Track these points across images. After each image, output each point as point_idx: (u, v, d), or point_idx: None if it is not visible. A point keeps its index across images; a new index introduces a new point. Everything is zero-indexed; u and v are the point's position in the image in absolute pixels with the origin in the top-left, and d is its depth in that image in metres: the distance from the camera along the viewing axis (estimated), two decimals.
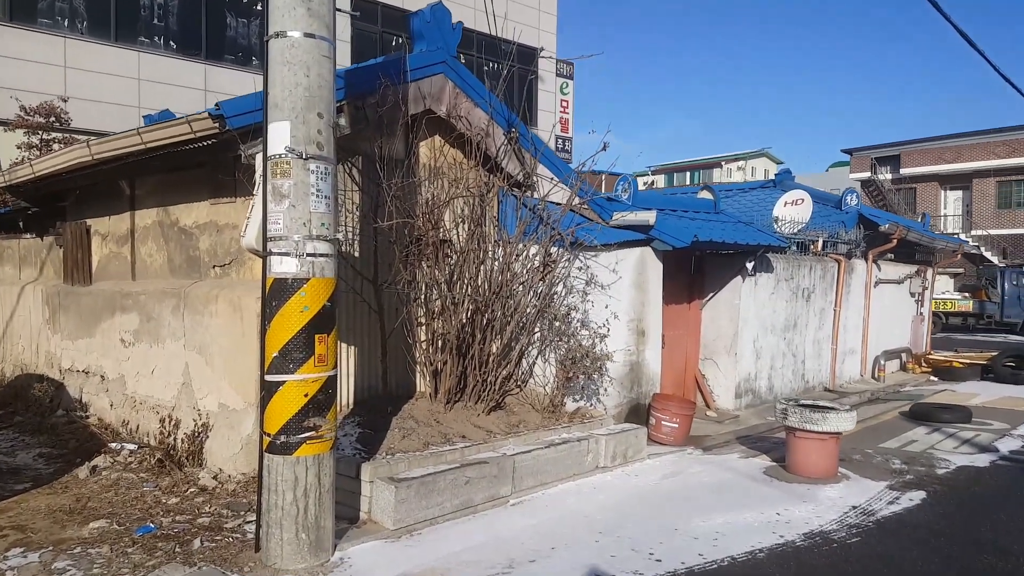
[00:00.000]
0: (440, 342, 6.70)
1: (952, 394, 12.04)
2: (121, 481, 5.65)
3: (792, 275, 11.01)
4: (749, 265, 9.74)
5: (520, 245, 7.15)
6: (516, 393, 7.62)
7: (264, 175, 4.21)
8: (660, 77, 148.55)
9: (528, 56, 22.62)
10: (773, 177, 16.66)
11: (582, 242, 7.43)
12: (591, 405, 7.79)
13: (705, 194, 10.51)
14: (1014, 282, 22.73)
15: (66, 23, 15.61)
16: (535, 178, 7.66)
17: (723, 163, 53.45)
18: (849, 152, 40.50)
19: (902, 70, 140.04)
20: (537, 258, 7.18)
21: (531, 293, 7.26)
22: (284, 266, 4.13)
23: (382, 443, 5.53)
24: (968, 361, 13.67)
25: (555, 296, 7.57)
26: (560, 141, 23.08)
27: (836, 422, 6.58)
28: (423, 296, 6.64)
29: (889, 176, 37.46)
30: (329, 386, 4.29)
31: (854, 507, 5.95)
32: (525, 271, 7.11)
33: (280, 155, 4.13)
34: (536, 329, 7.53)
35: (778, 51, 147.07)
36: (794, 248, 11.53)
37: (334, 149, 4.34)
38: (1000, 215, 33.46)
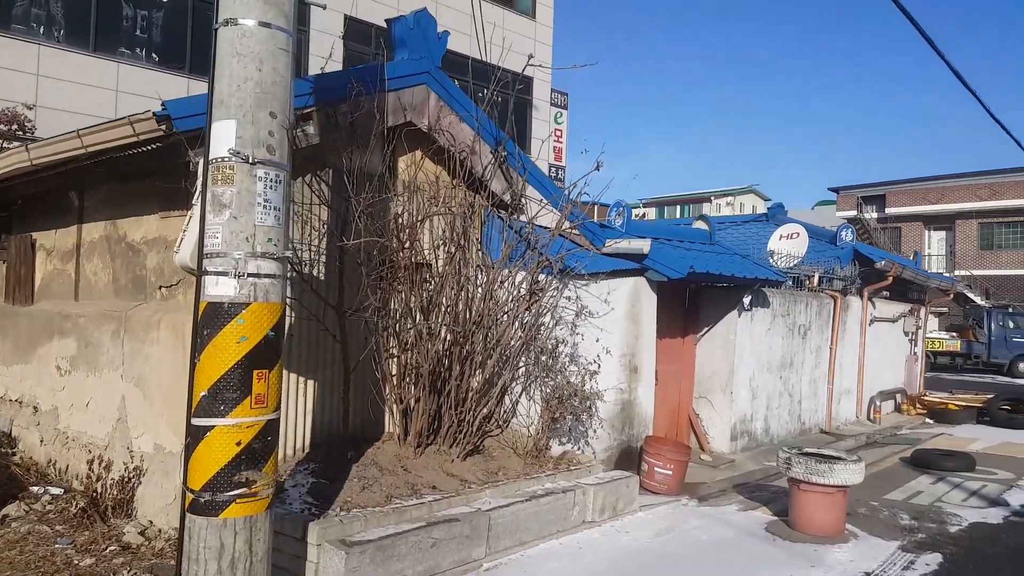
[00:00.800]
0: (412, 376, 6.02)
1: (950, 439, 11.50)
2: (32, 535, 4.86)
3: (788, 311, 10.47)
4: (745, 299, 9.18)
5: (505, 271, 6.53)
6: (497, 435, 6.93)
7: (204, 182, 3.57)
8: (650, 112, 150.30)
9: (523, 83, 22.29)
10: (765, 211, 16.28)
11: (572, 270, 6.82)
12: (579, 449, 7.11)
13: (700, 224, 9.98)
14: (1000, 323, 22.46)
15: (42, 30, 14.95)
16: (523, 200, 7.06)
17: (712, 198, 53.49)
18: (836, 190, 40.56)
19: (891, 109, 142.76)
20: (523, 286, 6.55)
21: (516, 323, 6.62)
22: (220, 288, 3.46)
23: (338, 496, 4.81)
24: (964, 403, 13.17)
25: (542, 328, 6.93)
26: (553, 170, 22.68)
27: (844, 474, 5.96)
28: (395, 325, 5.98)
29: (875, 215, 37.48)
30: (268, 432, 3.60)
31: (867, 574, 5.31)
32: (510, 299, 6.48)
33: (223, 158, 3.49)
34: (521, 363, 6.87)
35: (766, 89, 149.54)
36: (790, 283, 11.02)
37: (289, 154, 3.71)
38: (983, 256, 33.46)
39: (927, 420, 13.21)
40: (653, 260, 7.55)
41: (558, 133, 22.85)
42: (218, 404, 3.47)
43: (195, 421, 3.53)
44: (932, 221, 35.79)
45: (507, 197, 6.96)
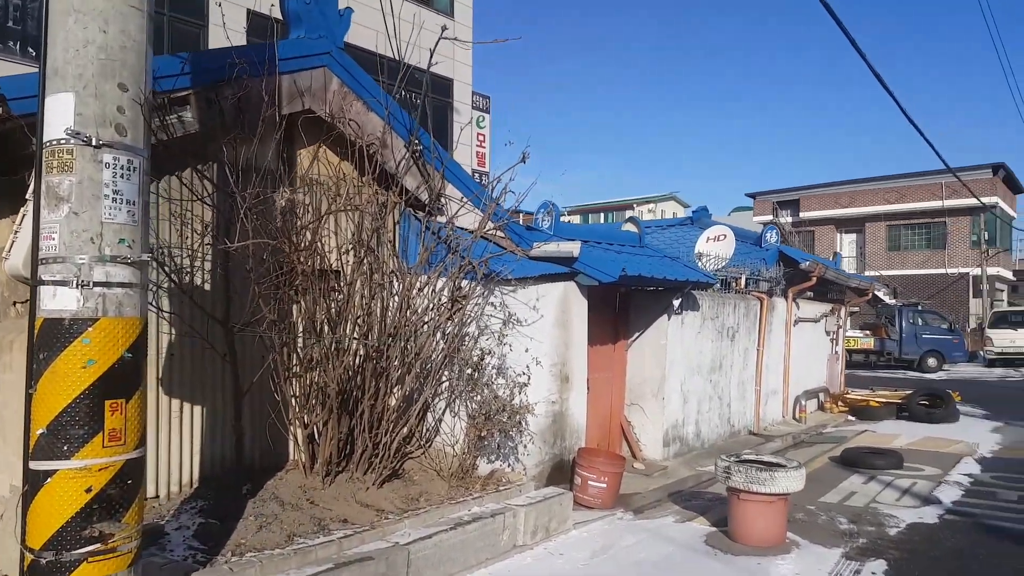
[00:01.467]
0: (319, 397, 5.39)
1: (874, 435, 11.61)
2: None
3: (717, 313, 10.32)
4: (676, 303, 8.93)
5: (424, 277, 5.99)
6: (418, 456, 6.37)
7: (38, 170, 2.90)
8: (571, 121, 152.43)
9: (443, 87, 21.75)
10: (689, 215, 16.29)
11: (498, 275, 6.34)
12: (508, 466, 6.62)
13: (630, 227, 9.71)
14: (911, 320, 23.35)
15: None
16: (443, 199, 6.55)
17: (634, 205, 54.24)
18: (752, 196, 41.76)
19: (803, 116, 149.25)
20: (444, 293, 6.03)
21: (438, 335, 6.09)
22: (59, 300, 2.81)
23: (230, 538, 4.16)
24: (884, 400, 13.40)
25: (466, 338, 6.42)
26: (477, 175, 22.21)
27: (785, 482, 5.69)
28: (296, 340, 5.34)
29: (790, 219, 38.72)
30: (129, 474, 2.95)
31: None
32: (430, 308, 5.95)
33: (59, 140, 2.84)
34: (444, 377, 6.35)
35: (684, 98, 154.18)
36: (718, 285, 10.90)
37: (147, 136, 3.07)
38: (891, 257, 35.01)
39: (850, 417, 13.37)
40: (583, 264, 7.17)
41: (480, 138, 22.43)
42: (60, 443, 2.81)
43: (33, 465, 2.86)
44: (843, 224, 37.24)
45: (424, 195, 6.44)
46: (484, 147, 22.51)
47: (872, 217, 35.61)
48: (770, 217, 38.87)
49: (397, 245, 6.46)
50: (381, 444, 5.59)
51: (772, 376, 12.19)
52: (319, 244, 5.33)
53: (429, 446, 6.62)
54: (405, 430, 5.86)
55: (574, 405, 7.29)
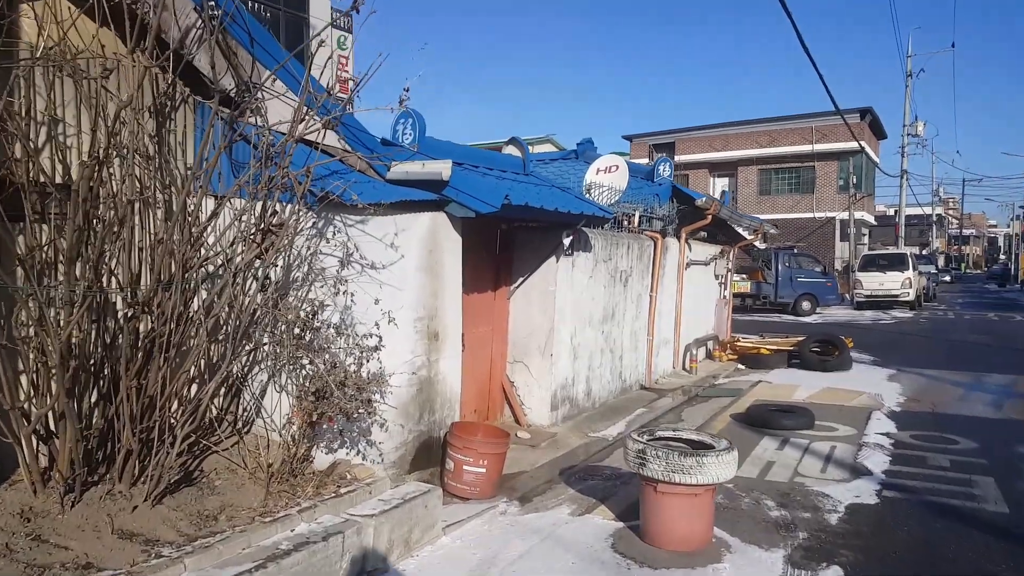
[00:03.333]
0: (56, 374, 3.51)
1: (771, 387, 10.93)
2: None
3: (610, 255, 9.05)
4: (567, 241, 7.52)
5: (218, 198, 4.14)
6: (227, 448, 4.61)
7: None
8: (445, 62, 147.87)
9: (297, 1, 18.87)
10: (574, 148, 14.91)
11: (336, 198, 4.58)
12: (358, 454, 5.01)
13: (512, 150, 8.13)
14: (787, 263, 23.56)
15: None
16: (260, 96, 4.64)
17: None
18: (629, 139, 41.29)
19: (680, 60, 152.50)
20: (250, 221, 4.22)
21: (250, 280, 4.31)
22: None
23: None
24: (775, 347, 12.87)
25: (293, 286, 4.67)
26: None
27: (716, 469, 4.44)
28: (19, 290, 3.41)
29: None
30: None
31: None
32: (238, 243, 4.13)
33: None
34: (265, 339, 4.59)
35: (562, 40, 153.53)
36: (611, 223, 9.64)
37: None
38: (761, 201, 35.73)
39: (739, 366, 12.75)
40: (456, 189, 5.55)
41: (343, 62, 19.86)
42: None
43: None
44: (717, 168, 37.58)
45: (229, 85, 4.51)
46: (347, 70, 19.98)
47: (745, 161, 36.09)
48: (646, 160, 38.67)
49: (190, 154, 4.54)
50: (157, 440, 3.80)
51: (664, 324, 11.22)
52: (56, 147, 3.35)
53: (247, 431, 4.88)
54: (196, 416, 4.09)
55: (447, 369, 5.74)
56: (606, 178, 9.83)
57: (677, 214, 11.29)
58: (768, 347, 12.82)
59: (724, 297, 14.30)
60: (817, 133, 34.26)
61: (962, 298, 33.85)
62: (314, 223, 4.80)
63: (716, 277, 13.78)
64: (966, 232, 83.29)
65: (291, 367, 4.64)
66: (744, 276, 24.42)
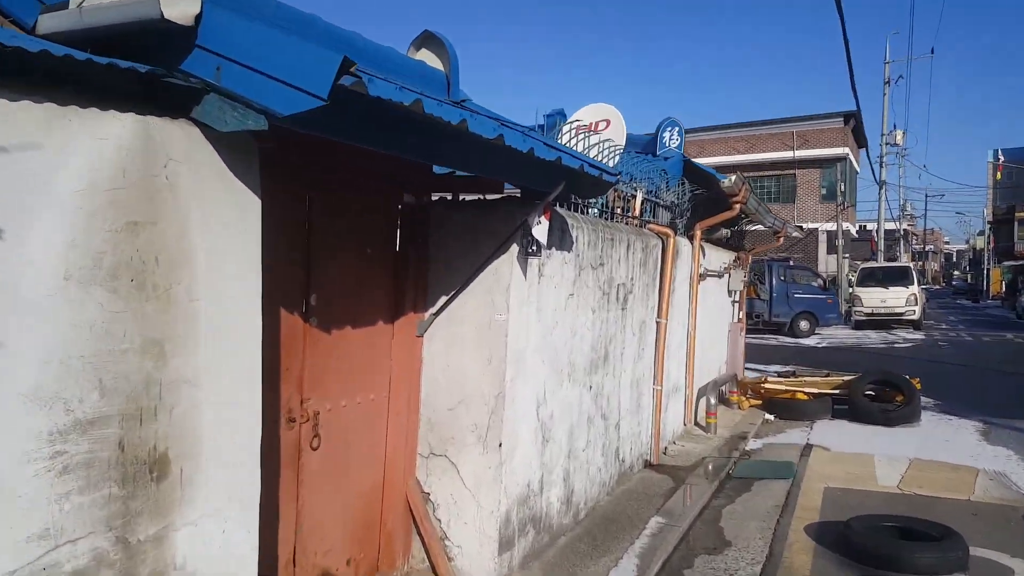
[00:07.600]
0: None
1: (830, 458, 7.33)
2: None
3: (602, 258, 5.38)
4: (535, 226, 3.78)
5: None
6: None
7: None
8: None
9: None
10: (542, 121, 11.30)
11: None
12: None
13: (427, 56, 4.27)
14: (782, 277, 20.24)
15: None
16: None
17: None
18: None
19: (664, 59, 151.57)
20: None
21: None
22: None
23: None
24: (815, 390, 9.30)
25: None
26: None
27: None
28: None
29: None
30: None
31: None
32: None
33: None
34: None
35: (545, 32, 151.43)
36: (596, 211, 6.01)
37: None
38: None
39: (767, 416, 9.17)
40: (222, 57, 1.76)
41: None
42: None
43: None
44: None
45: None
46: None
47: (721, 168, 32.94)
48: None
49: None
50: None
51: (675, 364, 7.59)
52: None
53: None
54: None
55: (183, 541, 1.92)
56: (594, 138, 6.16)
57: (690, 201, 7.70)
58: (806, 391, 9.25)
59: (738, 319, 10.75)
60: (799, 138, 31.48)
61: (952, 315, 31.19)
62: None
63: (730, 294, 10.23)
64: (926, 248, 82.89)
65: None
66: None
